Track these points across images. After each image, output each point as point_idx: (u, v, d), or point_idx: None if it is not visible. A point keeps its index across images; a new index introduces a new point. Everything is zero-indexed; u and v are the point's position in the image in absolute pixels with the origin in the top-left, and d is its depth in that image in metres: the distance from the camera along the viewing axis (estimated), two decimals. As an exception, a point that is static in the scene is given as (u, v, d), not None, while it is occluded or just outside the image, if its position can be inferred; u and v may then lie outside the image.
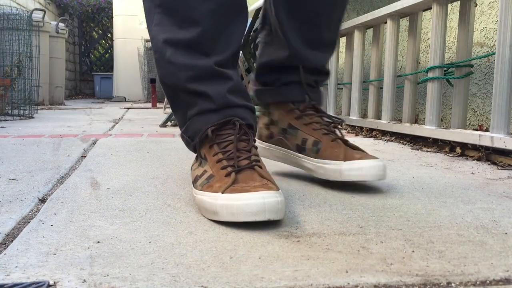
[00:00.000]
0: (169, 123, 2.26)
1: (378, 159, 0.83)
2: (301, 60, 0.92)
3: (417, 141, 1.53)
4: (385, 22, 1.75)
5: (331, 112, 2.21)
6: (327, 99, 2.21)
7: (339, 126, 0.93)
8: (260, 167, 0.69)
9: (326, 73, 0.98)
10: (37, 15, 3.68)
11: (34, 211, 0.71)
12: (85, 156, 1.23)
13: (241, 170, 0.67)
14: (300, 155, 0.91)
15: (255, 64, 2.59)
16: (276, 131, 0.96)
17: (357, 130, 1.95)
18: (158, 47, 0.78)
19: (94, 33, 7.98)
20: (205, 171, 0.72)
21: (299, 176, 0.97)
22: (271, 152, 0.98)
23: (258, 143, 1.01)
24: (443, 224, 0.64)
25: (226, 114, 0.75)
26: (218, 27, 0.76)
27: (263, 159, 0.81)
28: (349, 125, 2.05)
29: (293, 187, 0.87)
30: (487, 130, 1.50)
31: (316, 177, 0.89)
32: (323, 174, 0.86)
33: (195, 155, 0.81)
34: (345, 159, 0.83)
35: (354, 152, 0.85)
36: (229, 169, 0.68)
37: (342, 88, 2.19)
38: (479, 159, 1.21)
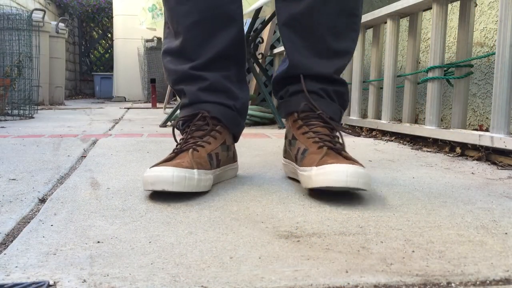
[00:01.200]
0: (169, 123, 2.26)
1: (357, 166, 0.72)
2: (301, 69, 0.90)
3: (417, 141, 1.53)
4: (385, 22, 1.75)
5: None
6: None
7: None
8: (197, 150, 0.84)
9: (337, 81, 0.92)
10: (37, 15, 3.68)
11: (34, 211, 0.71)
12: (85, 156, 1.23)
13: (179, 152, 0.84)
14: (296, 165, 0.86)
15: (255, 64, 2.59)
16: (287, 144, 0.94)
17: (357, 130, 1.95)
18: (162, 55, 0.98)
19: (94, 33, 7.98)
20: None
21: (299, 176, 0.97)
22: (286, 168, 0.95)
23: (281, 160, 1.00)
24: (443, 224, 0.64)
25: (196, 108, 0.91)
26: (198, 37, 0.91)
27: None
28: (349, 125, 2.05)
29: (293, 187, 0.87)
30: (487, 130, 1.50)
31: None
32: (302, 182, 0.80)
33: None
34: (318, 164, 0.75)
35: (333, 158, 0.77)
36: (175, 150, 0.85)
37: (342, 88, 2.19)
38: (479, 159, 1.21)
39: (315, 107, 0.87)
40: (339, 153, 0.80)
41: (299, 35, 0.90)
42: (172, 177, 0.74)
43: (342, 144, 0.84)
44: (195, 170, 0.78)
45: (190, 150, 0.83)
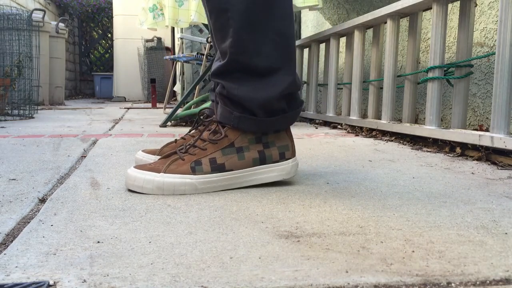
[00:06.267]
0: (169, 123, 2.26)
1: (146, 172, 0.82)
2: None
3: (417, 141, 1.53)
4: (385, 22, 1.75)
5: (331, 112, 2.21)
6: (327, 99, 2.21)
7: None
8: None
9: (218, 83, 0.91)
10: (37, 15, 3.68)
11: (34, 211, 0.71)
12: (85, 156, 1.23)
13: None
14: None
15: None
16: None
17: (357, 130, 1.95)
18: None
19: (94, 33, 7.98)
20: None
21: (299, 177, 0.97)
22: None
23: None
24: (443, 224, 0.64)
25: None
26: None
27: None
28: (349, 125, 2.05)
29: (293, 187, 0.87)
30: (487, 130, 1.50)
31: None
32: None
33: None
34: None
35: (158, 163, 0.86)
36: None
37: (342, 88, 2.19)
38: (479, 159, 1.21)
39: (214, 113, 0.95)
40: (172, 157, 0.87)
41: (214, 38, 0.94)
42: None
43: (192, 149, 0.87)
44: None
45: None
